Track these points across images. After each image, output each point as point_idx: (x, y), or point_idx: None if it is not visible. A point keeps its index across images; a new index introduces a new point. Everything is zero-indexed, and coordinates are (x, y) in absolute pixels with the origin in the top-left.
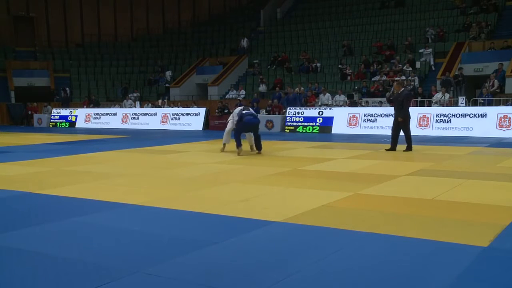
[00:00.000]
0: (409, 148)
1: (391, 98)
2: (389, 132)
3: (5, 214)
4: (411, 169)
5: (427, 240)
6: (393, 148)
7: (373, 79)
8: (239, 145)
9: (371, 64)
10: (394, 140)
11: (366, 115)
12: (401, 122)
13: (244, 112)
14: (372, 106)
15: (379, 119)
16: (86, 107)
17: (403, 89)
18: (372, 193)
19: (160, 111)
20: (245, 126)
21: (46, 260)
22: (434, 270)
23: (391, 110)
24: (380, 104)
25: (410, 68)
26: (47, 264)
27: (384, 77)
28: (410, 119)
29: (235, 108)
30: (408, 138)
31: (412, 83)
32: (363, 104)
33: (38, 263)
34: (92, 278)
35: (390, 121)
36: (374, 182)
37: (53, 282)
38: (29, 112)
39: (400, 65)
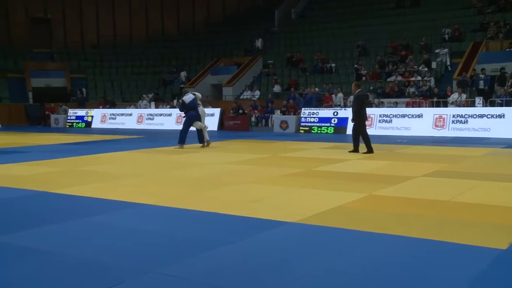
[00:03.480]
0: (369, 151)
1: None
2: (404, 133)
3: (20, 213)
4: (426, 170)
5: (442, 242)
6: (355, 149)
7: (388, 79)
8: (183, 142)
9: (386, 64)
10: (355, 141)
11: (381, 116)
12: (355, 123)
13: (189, 101)
14: (387, 107)
15: (394, 120)
16: (102, 107)
17: (359, 90)
18: (387, 194)
19: (174, 111)
20: (192, 119)
21: (60, 259)
22: (450, 272)
23: (406, 111)
24: (396, 105)
25: (426, 69)
26: (61, 264)
27: (400, 78)
28: (366, 121)
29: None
30: (365, 139)
31: (428, 84)
32: (377, 104)
33: (52, 263)
34: (106, 277)
35: (405, 122)
36: (389, 183)
37: (68, 282)
38: (46, 113)
39: (416, 66)
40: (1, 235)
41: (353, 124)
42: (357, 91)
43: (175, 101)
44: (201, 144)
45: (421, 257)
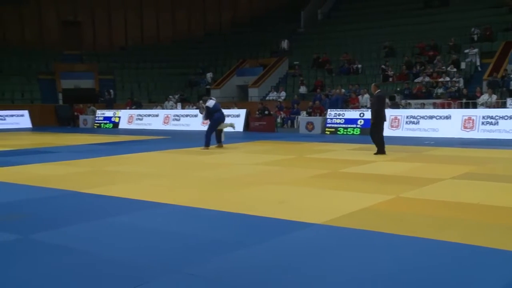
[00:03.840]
0: (380, 152)
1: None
2: (432, 134)
3: (51, 213)
4: (455, 172)
5: (471, 245)
6: (380, 151)
7: (415, 80)
8: (209, 144)
9: (413, 65)
10: (375, 142)
11: (409, 117)
12: (373, 124)
13: (212, 106)
14: (415, 108)
15: (422, 121)
16: (129, 108)
17: (378, 90)
18: (414, 196)
19: None
20: (219, 121)
21: (87, 258)
22: (479, 277)
23: (434, 112)
24: (423, 106)
25: (455, 69)
26: (88, 262)
27: (427, 78)
28: (384, 122)
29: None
30: (379, 141)
31: (457, 84)
32: (404, 105)
33: (80, 261)
34: (131, 277)
35: (433, 123)
36: (417, 185)
37: (94, 280)
38: (75, 113)
39: (444, 67)
40: (33, 233)
41: (371, 125)
42: (376, 92)
43: (201, 102)
44: (217, 144)
45: (447, 261)
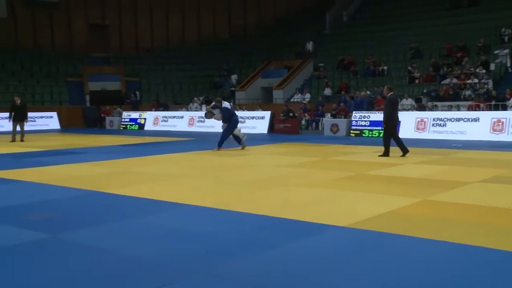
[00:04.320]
0: (404, 152)
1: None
2: (459, 137)
3: (77, 212)
4: (484, 175)
5: (498, 250)
6: (385, 154)
7: (442, 82)
8: (221, 146)
9: (440, 67)
10: (385, 145)
11: (435, 120)
12: (385, 127)
13: (230, 108)
14: (441, 110)
15: (448, 124)
16: (155, 110)
17: (391, 93)
18: (442, 199)
19: None
20: (236, 125)
21: (112, 257)
22: (504, 281)
23: (461, 114)
24: (450, 108)
25: (484, 71)
26: (112, 262)
27: (455, 80)
28: (397, 124)
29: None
30: (398, 143)
31: (486, 86)
32: (431, 108)
33: (104, 260)
34: (155, 277)
35: (460, 125)
36: (444, 188)
37: (118, 280)
38: (102, 115)
39: (472, 68)
40: (59, 232)
41: (384, 127)
42: (389, 94)
43: (209, 106)
44: (241, 146)
45: (473, 265)
